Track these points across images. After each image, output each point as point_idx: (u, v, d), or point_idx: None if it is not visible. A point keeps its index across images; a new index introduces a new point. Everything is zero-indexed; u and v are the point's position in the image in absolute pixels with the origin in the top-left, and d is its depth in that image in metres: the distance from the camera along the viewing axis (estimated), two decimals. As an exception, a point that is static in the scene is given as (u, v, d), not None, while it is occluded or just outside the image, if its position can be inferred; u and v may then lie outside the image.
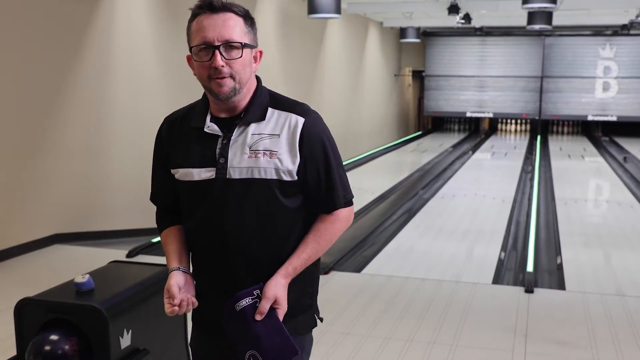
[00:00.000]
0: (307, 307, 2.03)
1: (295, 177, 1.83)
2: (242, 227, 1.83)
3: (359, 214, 8.20)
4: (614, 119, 18.64)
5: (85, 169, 6.60)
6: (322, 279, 5.45)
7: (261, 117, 1.85)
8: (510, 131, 20.63)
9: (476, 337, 4.28)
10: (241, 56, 1.81)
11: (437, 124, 21.22)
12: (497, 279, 5.65)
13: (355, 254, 6.36)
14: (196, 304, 1.85)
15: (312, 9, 8.94)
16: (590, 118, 18.85)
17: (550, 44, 18.74)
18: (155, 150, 2.00)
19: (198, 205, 1.87)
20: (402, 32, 16.63)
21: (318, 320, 2.09)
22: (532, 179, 11.16)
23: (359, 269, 5.87)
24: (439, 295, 5.08)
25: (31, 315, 2.72)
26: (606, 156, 14.84)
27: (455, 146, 16.72)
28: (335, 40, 13.31)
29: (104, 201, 6.86)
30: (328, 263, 5.78)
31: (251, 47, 1.86)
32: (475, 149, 16.24)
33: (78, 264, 5.57)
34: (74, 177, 6.54)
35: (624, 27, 16.56)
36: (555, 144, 17.62)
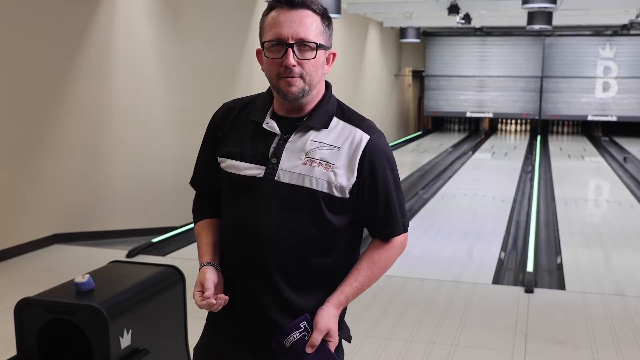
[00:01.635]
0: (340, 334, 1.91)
1: (347, 195, 1.74)
2: (277, 233, 1.74)
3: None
4: (614, 119, 18.64)
5: (86, 168, 6.60)
6: (322, 279, 5.45)
7: (325, 125, 1.77)
8: (510, 131, 20.63)
9: (476, 337, 4.28)
10: (315, 57, 1.72)
11: (437, 124, 21.22)
12: (497, 279, 5.65)
13: (355, 254, 6.35)
14: (227, 300, 1.75)
15: (312, 9, 8.94)
16: (590, 118, 18.85)
17: (550, 44, 18.74)
18: (207, 134, 1.94)
19: (237, 201, 1.79)
20: (402, 32, 16.63)
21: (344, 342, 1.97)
22: (532, 179, 11.16)
23: (359, 269, 5.86)
24: (439, 295, 5.08)
25: (31, 315, 2.72)
26: (606, 156, 14.83)
27: (455, 146, 16.72)
28: (335, 40, 13.24)
29: (104, 201, 6.86)
30: (328, 263, 5.78)
31: (326, 48, 1.76)
32: (475, 149, 16.24)
33: (78, 264, 5.57)
34: (74, 177, 6.54)
35: (624, 27, 16.56)
36: (555, 144, 17.62)
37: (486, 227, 7.57)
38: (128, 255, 5.89)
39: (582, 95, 18.74)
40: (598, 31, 18.30)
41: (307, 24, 1.71)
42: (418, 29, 16.48)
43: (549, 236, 7.27)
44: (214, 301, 1.72)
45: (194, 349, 2.02)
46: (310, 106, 1.78)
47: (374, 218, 1.80)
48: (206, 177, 1.93)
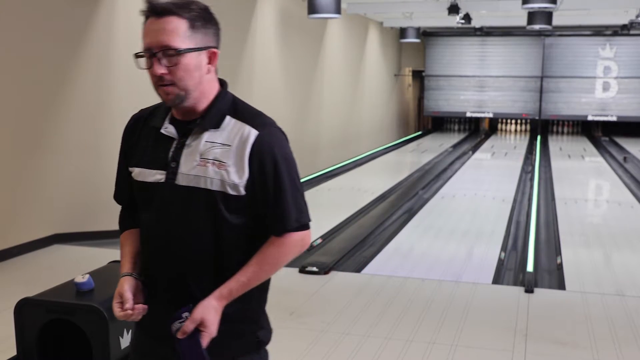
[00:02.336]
0: (249, 330, 1.86)
1: (242, 193, 1.75)
2: (183, 235, 1.78)
3: (359, 214, 8.20)
4: (614, 119, 18.63)
5: (86, 168, 6.60)
6: (322, 279, 5.46)
7: (217, 125, 1.78)
8: (510, 131, 20.63)
9: (476, 337, 4.28)
10: (182, 62, 1.71)
11: (437, 124, 21.21)
12: (497, 279, 5.65)
13: (355, 254, 6.36)
14: (146, 310, 1.80)
15: (312, 8, 8.94)
16: (590, 118, 18.85)
17: (550, 44, 18.74)
18: (120, 147, 1.98)
19: (148, 207, 1.83)
20: (402, 32, 16.62)
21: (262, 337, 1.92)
22: (532, 179, 11.16)
23: (359, 269, 5.87)
24: (439, 295, 5.08)
25: (31, 315, 2.72)
26: (606, 156, 14.83)
27: (455, 146, 16.72)
28: (335, 40, 13.31)
29: (104, 201, 6.85)
30: (328, 263, 5.79)
31: (197, 50, 1.73)
32: (475, 149, 16.24)
33: (78, 264, 5.57)
34: (74, 177, 6.54)
35: (624, 27, 16.55)
36: (555, 144, 17.62)
37: (486, 227, 7.57)
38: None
39: (582, 95, 18.73)
40: (598, 31, 18.30)
41: (170, 30, 1.72)
42: (418, 29, 16.48)
43: (549, 236, 7.27)
44: (131, 312, 1.76)
45: (130, 345, 2.06)
46: (202, 107, 1.79)
47: (267, 213, 1.78)
48: (124, 189, 1.97)
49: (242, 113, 1.82)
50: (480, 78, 19.37)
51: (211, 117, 1.78)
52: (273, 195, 1.76)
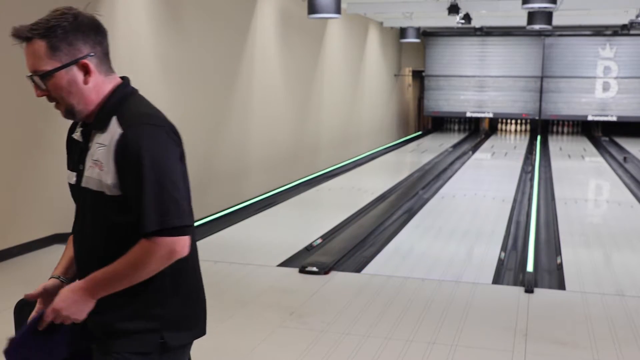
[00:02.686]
0: (139, 329, 1.84)
1: (119, 192, 1.76)
2: (86, 236, 1.86)
3: (359, 214, 8.20)
4: (614, 119, 18.63)
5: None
6: (322, 279, 5.46)
7: (102, 127, 1.80)
8: (510, 131, 20.62)
9: (476, 337, 4.28)
10: (53, 83, 1.77)
11: (437, 124, 21.21)
12: (497, 279, 5.64)
13: (355, 254, 6.36)
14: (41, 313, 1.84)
15: (312, 9, 8.93)
16: (590, 118, 18.84)
17: (550, 44, 18.74)
18: None
19: (76, 211, 1.94)
20: (402, 32, 16.62)
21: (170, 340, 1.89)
22: (532, 179, 11.16)
23: (358, 269, 5.87)
24: (439, 295, 5.08)
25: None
26: (606, 156, 14.83)
27: (455, 146, 16.71)
28: (335, 40, 13.31)
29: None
30: (328, 263, 5.79)
31: (62, 68, 1.74)
32: (475, 149, 16.23)
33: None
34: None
35: (624, 27, 16.54)
36: (555, 144, 17.61)
37: (486, 227, 7.57)
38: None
39: (582, 95, 18.73)
40: (598, 31, 18.29)
41: (34, 54, 1.76)
42: (418, 29, 16.47)
43: (549, 236, 7.27)
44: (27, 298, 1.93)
45: None
46: (96, 111, 1.83)
47: (135, 213, 1.75)
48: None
49: (123, 112, 1.80)
50: (480, 78, 19.37)
51: (99, 120, 1.81)
52: (134, 195, 1.73)
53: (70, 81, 1.77)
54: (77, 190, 1.88)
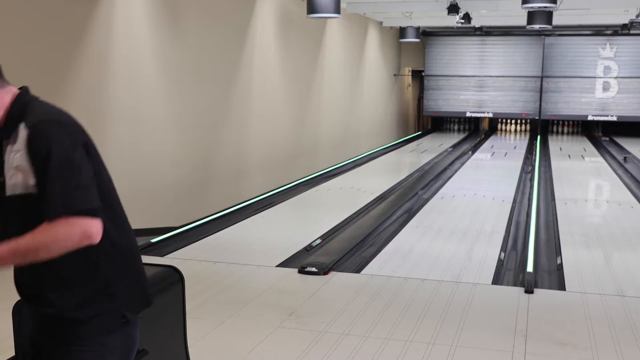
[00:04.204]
0: (100, 311, 1.98)
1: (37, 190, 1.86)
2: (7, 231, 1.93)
3: (358, 214, 8.19)
4: (614, 119, 18.63)
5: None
6: (322, 279, 5.45)
7: (9, 135, 1.88)
8: (510, 131, 20.62)
9: (476, 337, 4.27)
10: None
11: (437, 124, 21.21)
12: (497, 280, 5.63)
13: (355, 254, 6.35)
14: None
15: (312, 8, 8.93)
16: (590, 118, 18.84)
17: (550, 43, 18.73)
18: None
19: None
20: (402, 32, 16.61)
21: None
22: (532, 179, 11.15)
23: (358, 269, 5.86)
24: (438, 296, 5.07)
25: (30, 316, 2.70)
26: (606, 156, 14.82)
27: (454, 146, 16.70)
28: (334, 40, 13.30)
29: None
30: (327, 263, 5.78)
31: None
32: (475, 149, 16.23)
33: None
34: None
35: (624, 26, 16.55)
36: (555, 144, 17.61)
37: (486, 227, 7.56)
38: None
39: (582, 95, 18.72)
40: (598, 31, 18.28)
41: None
42: (418, 28, 16.47)
43: (549, 236, 7.26)
44: None
45: None
46: (2, 122, 1.91)
47: (44, 201, 1.85)
48: None
49: (28, 116, 1.89)
50: (480, 78, 19.36)
51: (6, 127, 1.90)
52: (44, 186, 1.83)
53: None
54: (1, 201, 1.93)
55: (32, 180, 1.85)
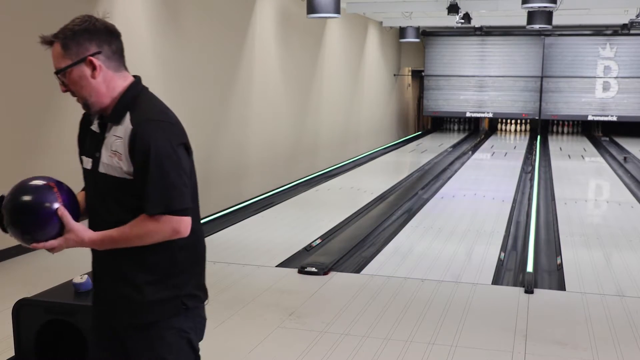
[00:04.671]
0: (166, 298, 2.12)
1: (131, 178, 2.03)
2: (100, 216, 2.11)
3: (358, 214, 8.19)
4: (614, 119, 18.62)
5: (85, 169, 6.59)
6: (322, 279, 5.45)
7: (118, 121, 2.05)
8: (510, 131, 20.62)
9: (476, 337, 4.27)
10: (69, 79, 2.04)
11: (437, 124, 21.21)
12: (497, 280, 5.63)
13: (355, 255, 6.35)
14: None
15: (312, 8, 8.93)
16: (590, 118, 18.83)
17: (550, 43, 18.73)
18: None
19: (87, 189, 2.20)
20: (402, 32, 16.61)
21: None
22: (532, 179, 11.15)
23: (358, 269, 5.86)
24: (438, 296, 5.07)
25: (29, 316, 2.71)
26: (606, 156, 14.82)
27: (454, 146, 16.71)
28: (334, 40, 13.30)
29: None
30: (327, 263, 5.78)
31: (73, 65, 2.01)
32: (475, 149, 16.23)
33: (76, 265, 5.55)
34: (73, 176, 6.51)
35: (624, 26, 16.54)
36: (555, 144, 17.61)
37: (486, 228, 7.56)
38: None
39: (582, 95, 18.72)
40: (598, 31, 18.28)
41: (54, 56, 2.05)
42: (417, 28, 16.47)
43: (549, 236, 7.26)
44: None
45: None
46: (110, 105, 2.08)
47: (142, 194, 2.01)
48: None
49: (136, 109, 2.05)
50: (480, 78, 19.36)
51: (114, 114, 2.07)
52: (141, 181, 1.99)
53: (81, 76, 2.03)
54: (92, 175, 2.13)
55: (126, 168, 2.01)
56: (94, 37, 2.03)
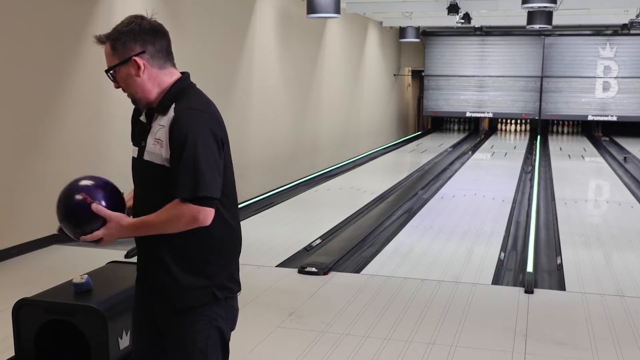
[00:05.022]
0: (196, 286, 2.21)
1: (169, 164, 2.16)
2: (144, 204, 2.22)
3: (358, 214, 8.19)
4: (614, 119, 18.62)
5: (85, 168, 6.58)
6: (322, 279, 5.45)
7: (164, 112, 2.17)
8: (510, 131, 20.62)
9: (476, 337, 4.27)
10: (118, 76, 2.19)
11: (437, 124, 21.20)
12: (497, 280, 5.63)
13: (355, 255, 6.35)
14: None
15: (312, 8, 8.92)
16: (590, 118, 18.84)
17: (550, 43, 18.73)
18: None
19: (134, 178, 2.30)
20: (402, 32, 16.61)
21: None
22: (532, 179, 11.15)
23: (358, 269, 5.86)
24: (438, 296, 5.07)
25: (29, 316, 2.71)
26: (606, 156, 14.82)
27: (454, 146, 16.71)
28: (334, 40, 13.29)
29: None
30: (327, 263, 5.78)
31: (122, 63, 2.16)
32: (475, 149, 16.23)
33: (76, 265, 5.56)
34: (73, 176, 6.51)
35: (624, 26, 16.54)
36: (555, 144, 17.61)
37: (486, 227, 7.56)
38: (126, 256, 5.88)
39: (582, 95, 18.72)
40: (598, 31, 18.28)
41: (106, 54, 2.19)
42: (417, 28, 16.47)
43: (549, 236, 7.26)
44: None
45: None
46: (156, 98, 2.20)
47: (171, 178, 2.12)
48: None
49: (180, 100, 2.17)
50: (480, 78, 19.36)
51: (161, 105, 2.19)
52: (175, 163, 2.10)
53: (128, 74, 2.17)
54: (138, 163, 2.25)
55: (165, 154, 2.12)
56: (138, 37, 2.14)
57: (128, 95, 2.23)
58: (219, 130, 2.18)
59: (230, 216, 2.24)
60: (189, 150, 2.07)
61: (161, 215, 2.12)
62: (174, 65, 2.26)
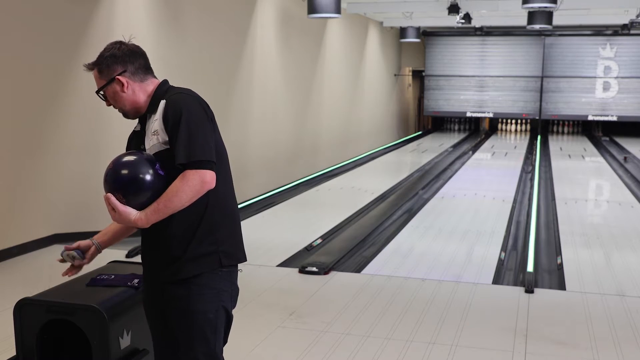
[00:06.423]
0: (205, 252, 2.40)
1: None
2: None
3: (359, 214, 8.20)
4: (614, 118, 18.63)
5: (85, 168, 6.59)
6: (322, 279, 5.46)
7: (154, 109, 2.41)
8: (510, 131, 20.62)
9: (476, 337, 4.28)
10: (107, 95, 2.46)
11: (437, 123, 21.21)
12: (497, 279, 5.64)
13: (355, 254, 6.36)
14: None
15: (312, 8, 8.93)
16: (590, 118, 18.84)
17: (551, 43, 18.73)
18: None
19: None
20: (402, 32, 16.61)
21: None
22: (532, 179, 11.16)
23: (358, 269, 5.87)
24: (439, 296, 5.08)
25: (31, 315, 2.71)
26: (606, 156, 14.83)
27: (455, 146, 16.71)
28: (335, 40, 13.30)
29: (103, 201, 6.85)
30: (328, 263, 5.78)
31: (106, 85, 2.44)
32: (475, 149, 16.23)
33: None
34: (73, 177, 6.53)
35: (624, 26, 16.55)
36: (556, 144, 17.61)
37: (486, 227, 7.57)
38: (127, 255, 5.89)
39: (582, 95, 18.73)
40: (598, 31, 18.29)
41: (95, 79, 2.47)
42: (418, 28, 16.47)
43: (549, 236, 7.27)
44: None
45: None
46: (145, 104, 2.46)
47: (174, 152, 2.31)
48: None
49: (167, 94, 2.42)
50: (481, 78, 19.37)
51: (150, 107, 2.45)
52: (171, 137, 2.32)
53: (114, 92, 2.45)
54: None
55: (162, 139, 2.34)
56: (119, 59, 2.43)
57: (119, 110, 2.49)
58: (207, 109, 2.40)
59: (224, 185, 2.42)
60: (184, 123, 2.29)
61: (172, 189, 2.28)
62: (154, 76, 2.53)
